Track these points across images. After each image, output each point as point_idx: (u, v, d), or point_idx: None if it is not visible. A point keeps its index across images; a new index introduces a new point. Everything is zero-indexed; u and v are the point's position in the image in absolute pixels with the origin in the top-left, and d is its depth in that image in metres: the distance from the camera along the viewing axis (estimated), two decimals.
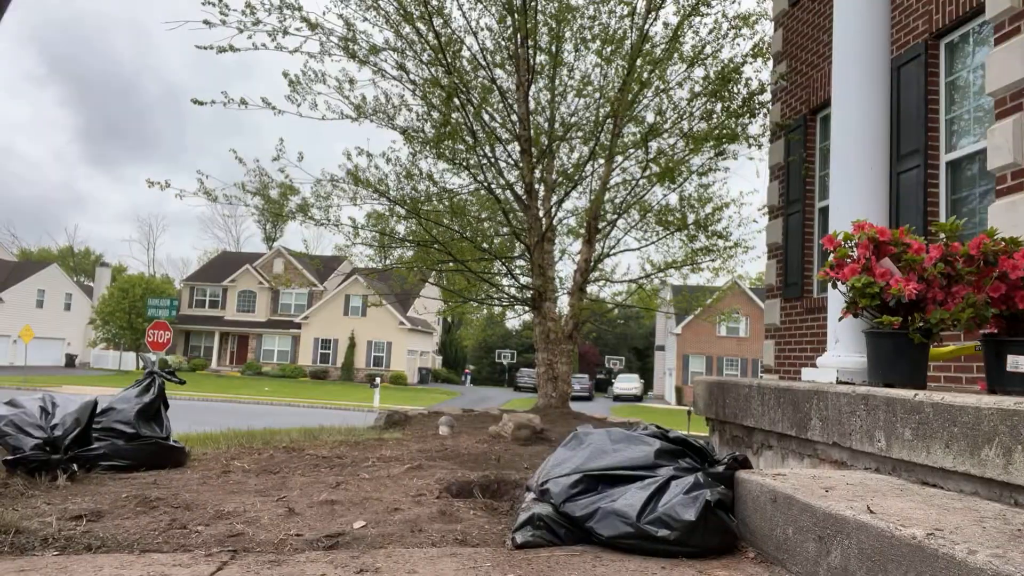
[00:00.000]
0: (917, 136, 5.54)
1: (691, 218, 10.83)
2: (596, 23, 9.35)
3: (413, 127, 9.15)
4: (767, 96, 8.48)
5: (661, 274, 12.53)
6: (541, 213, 9.64)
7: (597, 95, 9.80)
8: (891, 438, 2.26)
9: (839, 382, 3.42)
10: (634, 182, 10.43)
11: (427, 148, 9.10)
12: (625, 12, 9.16)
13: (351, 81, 8.74)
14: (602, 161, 10.01)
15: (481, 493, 3.08)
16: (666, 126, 9.07)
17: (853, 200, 3.80)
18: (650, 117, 9.46)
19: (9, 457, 3.09)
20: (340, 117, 8.83)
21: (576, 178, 9.75)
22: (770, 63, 8.57)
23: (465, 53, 9.06)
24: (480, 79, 9.26)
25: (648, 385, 61.71)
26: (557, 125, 9.97)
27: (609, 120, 9.18)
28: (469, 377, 63.13)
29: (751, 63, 8.49)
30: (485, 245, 10.85)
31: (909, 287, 2.69)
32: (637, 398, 49.98)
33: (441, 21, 8.40)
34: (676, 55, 9.09)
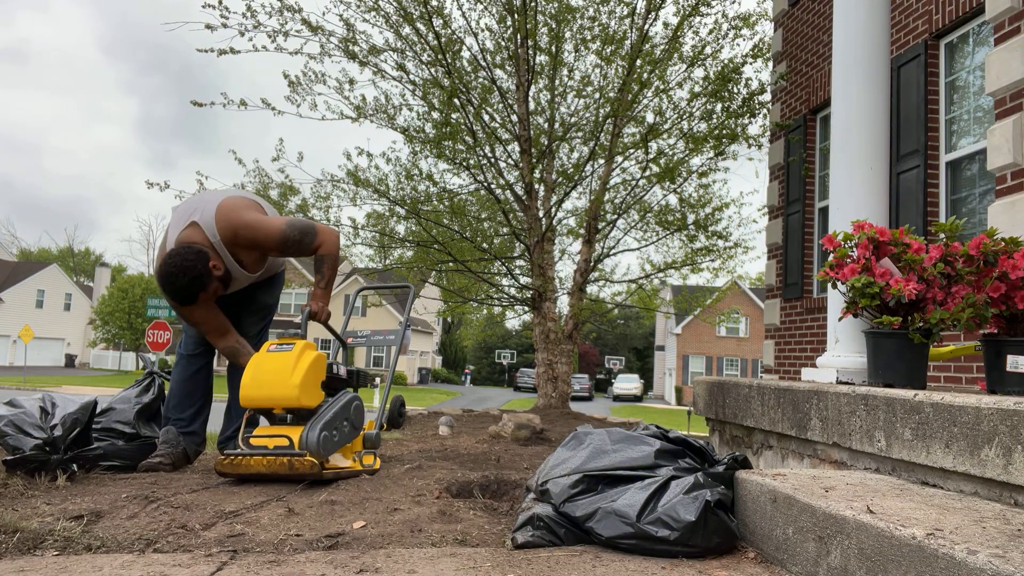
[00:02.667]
0: (917, 136, 5.54)
1: (691, 218, 10.84)
2: (596, 23, 9.35)
3: (413, 127, 9.16)
4: (767, 96, 8.49)
5: (661, 274, 12.53)
6: (541, 213, 9.64)
7: (597, 95, 9.80)
8: (891, 438, 2.26)
9: (839, 382, 3.42)
10: (634, 182, 10.44)
11: (427, 148, 9.10)
12: (625, 12, 9.17)
13: (351, 82, 8.74)
14: (602, 161, 10.02)
15: (481, 493, 3.08)
16: (666, 126, 9.08)
17: (853, 200, 3.80)
18: (650, 117, 9.47)
19: (9, 457, 3.09)
20: (340, 117, 8.83)
21: (576, 178, 9.75)
22: (770, 63, 8.57)
23: (465, 53, 9.07)
24: (480, 79, 9.26)
25: (648, 385, 61.73)
26: (557, 125, 9.97)
27: (609, 120, 9.18)
28: (469, 377, 63.17)
29: (751, 63, 8.49)
30: (485, 245, 10.85)
31: (909, 287, 2.69)
32: (637, 398, 50.00)
33: (441, 22, 8.40)
34: (676, 55, 9.09)
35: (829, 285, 3.21)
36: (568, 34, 9.54)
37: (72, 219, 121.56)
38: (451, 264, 10.57)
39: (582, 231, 10.82)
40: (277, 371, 3.07)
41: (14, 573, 1.84)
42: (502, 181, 9.51)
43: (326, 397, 3.25)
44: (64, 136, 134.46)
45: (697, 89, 8.82)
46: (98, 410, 3.56)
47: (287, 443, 3.01)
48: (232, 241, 3.39)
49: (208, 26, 7.71)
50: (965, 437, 1.95)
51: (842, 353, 3.64)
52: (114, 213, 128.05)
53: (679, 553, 2.02)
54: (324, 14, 10.42)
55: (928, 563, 1.41)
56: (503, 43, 9.48)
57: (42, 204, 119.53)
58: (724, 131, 8.53)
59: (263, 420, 3.39)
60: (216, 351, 3.72)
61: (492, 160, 9.24)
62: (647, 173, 9.71)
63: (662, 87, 9.06)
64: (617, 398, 49.47)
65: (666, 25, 9.44)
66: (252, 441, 3.06)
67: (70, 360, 54.26)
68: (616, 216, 10.76)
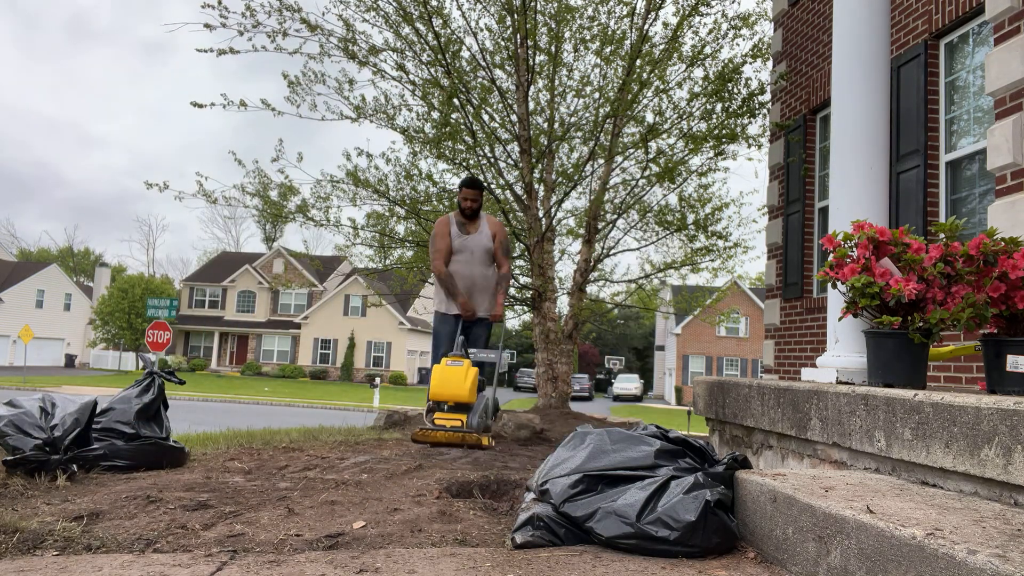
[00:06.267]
0: (917, 136, 5.54)
1: (691, 218, 10.82)
2: (595, 23, 9.35)
3: (413, 127, 9.15)
4: (767, 96, 8.48)
5: (661, 274, 12.52)
6: (541, 213, 9.64)
7: (596, 95, 9.80)
8: (891, 438, 2.26)
9: (839, 382, 3.42)
10: (634, 182, 10.43)
11: (427, 148, 9.10)
12: (624, 12, 9.16)
13: (351, 82, 8.74)
14: (602, 161, 10.01)
15: (481, 493, 3.08)
16: (665, 126, 9.07)
17: (853, 200, 3.80)
18: (649, 117, 9.46)
19: (9, 458, 3.09)
20: (340, 118, 8.83)
21: (576, 178, 9.75)
22: (770, 63, 8.57)
23: (465, 53, 9.06)
24: (480, 79, 9.25)
25: (648, 385, 61.71)
26: (556, 125, 9.96)
27: (608, 120, 9.17)
28: None
29: (751, 63, 8.48)
30: None
31: (909, 287, 2.69)
32: (637, 398, 49.99)
33: (440, 22, 8.39)
34: (675, 55, 9.08)
35: (829, 285, 3.21)
36: (567, 34, 9.53)
37: (123, 216, 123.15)
38: None
39: (582, 231, 10.81)
40: (456, 378, 4.66)
41: (14, 573, 1.84)
42: (502, 181, 9.50)
43: (478, 395, 4.85)
44: (146, 132, 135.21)
45: (697, 89, 8.82)
46: (98, 410, 3.57)
47: (460, 424, 4.57)
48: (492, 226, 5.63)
49: (207, 25, 7.71)
50: (965, 437, 1.95)
51: (842, 353, 3.64)
52: (167, 212, 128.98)
53: (679, 553, 2.02)
54: (324, 14, 10.42)
55: (928, 563, 1.41)
56: (503, 43, 9.47)
57: (93, 202, 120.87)
58: (724, 131, 8.52)
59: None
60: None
61: (492, 160, 9.23)
62: (647, 173, 9.70)
63: (662, 87, 9.05)
64: (617, 398, 49.45)
65: (666, 25, 9.44)
66: (436, 421, 4.60)
67: (70, 360, 54.24)
68: (616, 216, 10.76)
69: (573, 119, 10.13)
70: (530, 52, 8.97)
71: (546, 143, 9.70)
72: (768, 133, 8.55)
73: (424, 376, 54.05)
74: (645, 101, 9.19)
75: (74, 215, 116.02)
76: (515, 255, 10.98)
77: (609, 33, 9.17)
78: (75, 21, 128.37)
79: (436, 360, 5.38)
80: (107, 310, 47.68)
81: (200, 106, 8.17)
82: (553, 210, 9.85)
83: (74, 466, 3.21)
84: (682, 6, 8.66)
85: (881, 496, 1.92)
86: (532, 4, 8.69)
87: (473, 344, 5.46)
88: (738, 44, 26.88)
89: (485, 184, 5.18)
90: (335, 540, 2.22)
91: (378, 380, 33.76)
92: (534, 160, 9.46)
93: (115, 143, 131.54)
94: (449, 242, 5.44)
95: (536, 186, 9.66)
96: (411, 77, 8.79)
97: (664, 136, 9.23)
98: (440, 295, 5.54)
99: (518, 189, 9.60)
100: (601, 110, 9.51)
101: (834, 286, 3.08)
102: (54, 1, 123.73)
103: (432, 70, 8.67)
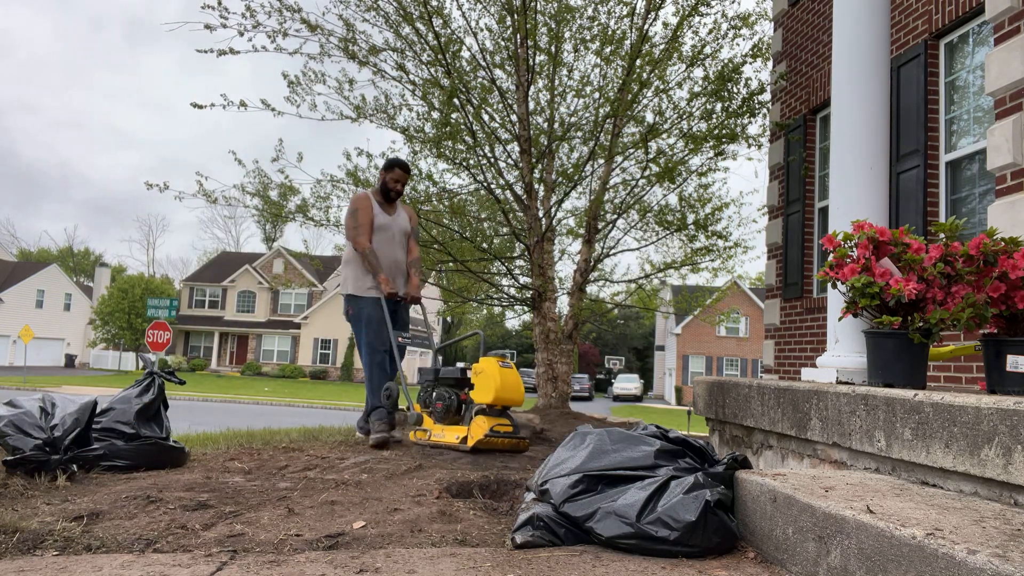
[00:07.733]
0: (917, 136, 5.54)
1: (691, 218, 10.82)
2: (595, 23, 9.35)
3: (413, 127, 9.15)
4: (767, 96, 8.48)
5: (661, 274, 12.52)
6: (541, 213, 9.63)
7: (597, 95, 9.79)
8: (891, 438, 2.26)
9: (839, 382, 3.42)
10: (634, 182, 10.43)
11: (427, 148, 9.09)
12: (624, 12, 9.16)
13: (351, 82, 8.73)
14: (602, 161, 10.00)
15: (481, 493, 3.08)
16: (665, 126, 9.06)
17: (853, 200, 3.80)
18: (649, 117, 9.45)
19: (9, 458, 3.10)
20: (340, 118, 8.83)
21: (576, 178, 9.74)
22: (770, 63, 8.57)
23: (465, 53, 9.06)
24: (480, 79, 9.25)
25: (648, 385, 61.70)
26: (556, 125, 9.96)
27: (608, 120, 9.17)
28: None
29: (751, 63, 8.48)
30: (485, 245, 10.84)
31: (909, 287, 2.69)
32: (637, 398, 49.97)
33: (441, 22, 8.39)
34: (675, 55, 9.08)
35: (829, 285, 3.21)
36: (567, 34, 9.53)
37: (136, 215, 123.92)
38: (451, 264, 10.56)
39: (582, 231, 10.81)
40: (518, 382, 4.56)
41: (14, 573, 1.84)
42: (502, 181, 9.50)
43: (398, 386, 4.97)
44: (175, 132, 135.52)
45: (697, 89, 8.81)
46: (98, 410, 3.57)
47: (513, 430, 4.50)
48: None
49: (207, 26, 7.71)
50: (965, 437, 1.95)
51: (842, 353, 3.64)
52: (182, 210, 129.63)
53: (679, 553, 2.02)
54: (324, 14, 10.42)
55: (928, 563, 1.42)
56: (503, 43, 9.47)
57: (108, 203, 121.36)
58: (724, 131, 8.52)
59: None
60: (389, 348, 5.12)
61: (492, 160, 9.23)
62: (647, 173, 9.70)
63: (662, 87, 9.05)
64: (617, 398, 49.44)
65: (666, 25, 9.43)
66: (497, 429, 4.41)
67: (70, 360, 54.23)
68: (616, 216, 10.75)
69: (573, 119, 10.13)
70: (530, 52, 8.97)
71: (546, 143, 9.70)
72: (768, 133, 8.55)
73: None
74: (645, 101, 9.19)
75: (97, 214, 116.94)
76: (515, 255, 10.99)
77: (609, 33, 9.17)
78: (135, 21, 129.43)
79: (373, 348, 5.05)
80: (107, 310, 47.68)
81: (200, 107, 8.17)
82: (553, 210, 9.85)
83: (74, 466, 3.21)
84: (682, 6, 8.66)
85: (881, 496, 1.92)
86: (532, 4, 8.69)
87: (401, 328, 5.24)
88: (738, 44, 26.86)
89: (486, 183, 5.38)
90: (335, 540, 2.22)
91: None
92: (534, 160, 9.46)
93: (147, 141, 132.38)
94: (372, 218, 5.16)
95: (536, 186, 9.65)
96: (411, 77, 8.79)
97: (664, 136, 9.23)
98: (359, 276, 5.14)
99: (518, 189, 9.60)
100: (601, 110, 9.50)
101: (834, 286, 3.08)
102: (113, 3, 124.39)
103: (432, 70, 8.67)
